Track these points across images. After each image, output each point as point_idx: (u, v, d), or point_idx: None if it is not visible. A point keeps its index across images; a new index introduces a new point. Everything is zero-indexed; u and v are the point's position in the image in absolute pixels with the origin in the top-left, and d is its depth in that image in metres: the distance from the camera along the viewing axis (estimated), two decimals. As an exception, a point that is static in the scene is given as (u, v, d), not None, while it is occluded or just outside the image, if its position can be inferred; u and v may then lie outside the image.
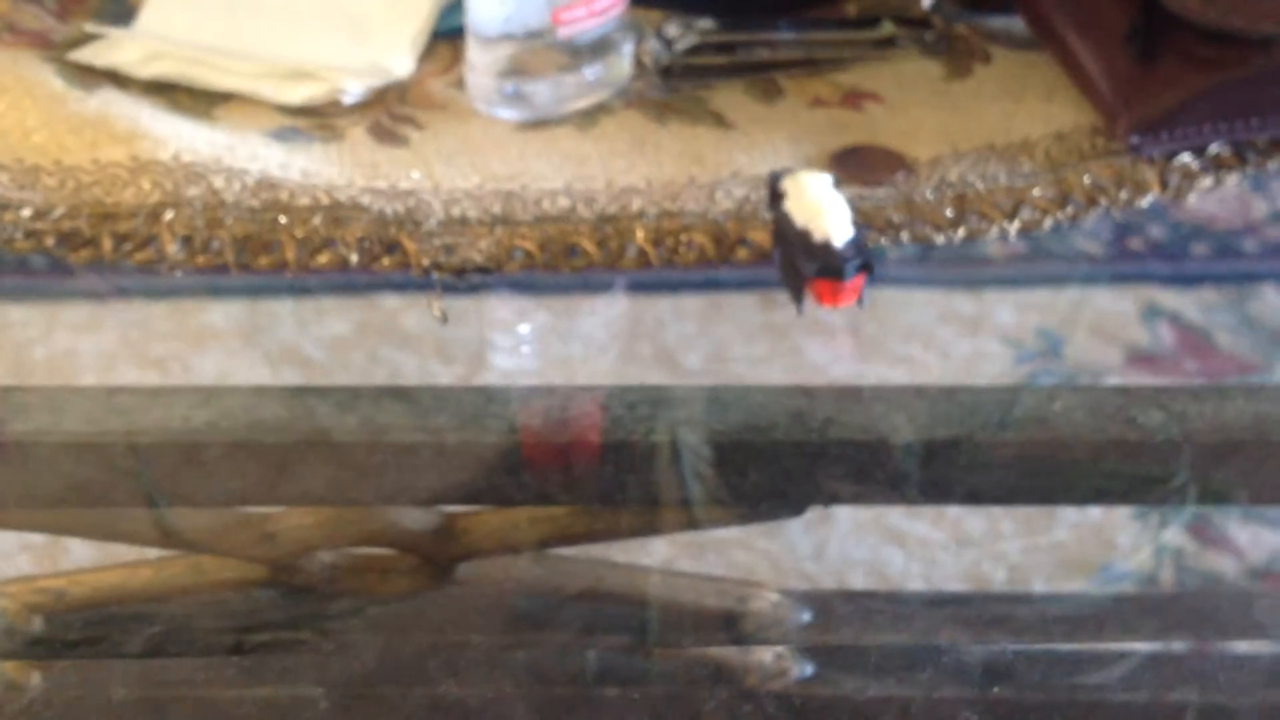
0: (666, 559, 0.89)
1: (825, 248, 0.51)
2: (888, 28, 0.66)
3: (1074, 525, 0.95)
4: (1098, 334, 1.01)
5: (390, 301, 1.04)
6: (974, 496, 0.54)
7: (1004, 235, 0.58)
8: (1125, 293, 1.03)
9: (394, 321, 1.04)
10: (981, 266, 1.04)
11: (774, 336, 1.04)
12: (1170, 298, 1.03)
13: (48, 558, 0.86)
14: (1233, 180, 0.60)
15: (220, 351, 1.00)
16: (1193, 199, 0.61)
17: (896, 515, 0.97)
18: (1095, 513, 0.96)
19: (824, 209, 0.52)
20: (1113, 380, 0.97)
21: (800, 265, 0.51)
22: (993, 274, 1.05)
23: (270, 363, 1.03)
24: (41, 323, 0.98)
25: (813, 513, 0.63)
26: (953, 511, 0.97)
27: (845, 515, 0.98)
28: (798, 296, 0.52)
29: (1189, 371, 1.00)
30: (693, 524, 0.59)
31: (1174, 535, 0.94)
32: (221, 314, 1.03)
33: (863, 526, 0.96)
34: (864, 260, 0.51)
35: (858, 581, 0.94)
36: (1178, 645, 0.64)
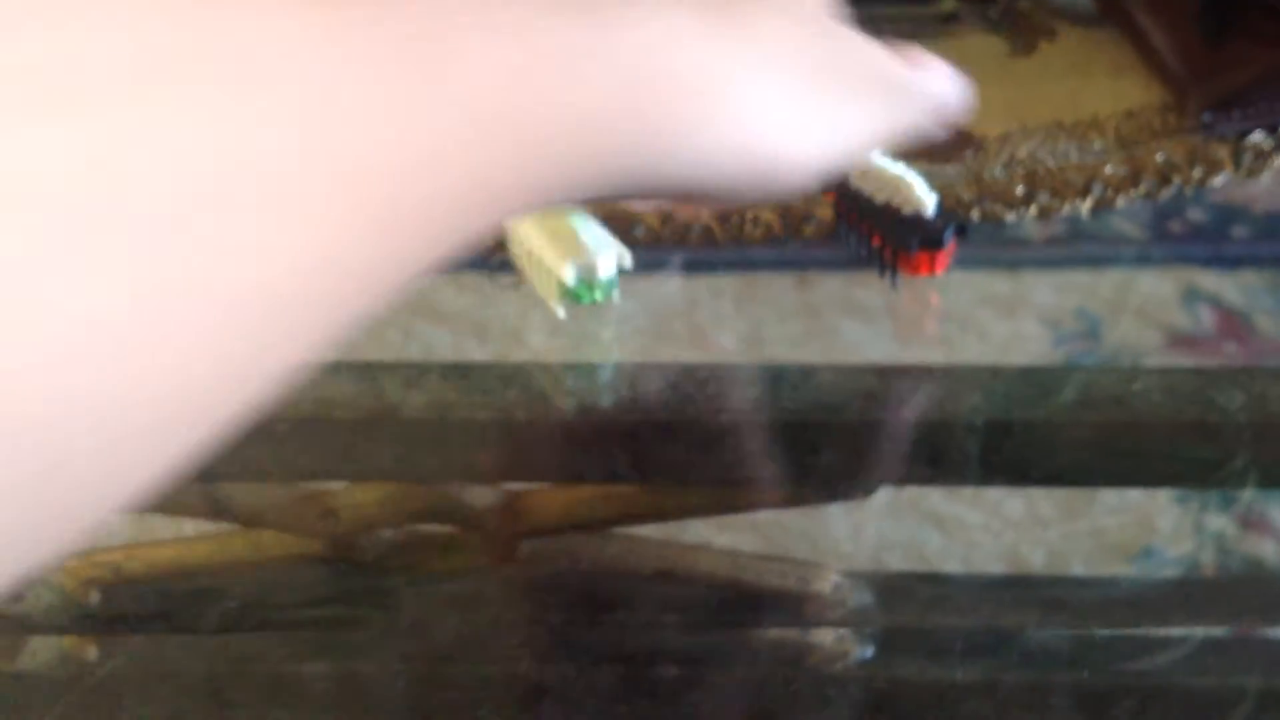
0: (703, 538, 0.88)
1: (919, 220, 0.50)
2: (949, 3, 0.66)
3: (1113, 509, 0.95)
4: (1137, 316, 1.01)
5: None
6: (1049, 478, 0.54)
7: (1076, 213, 0.57)
8: (1165, 275, 1.03)
9: (426, 299, 1.03)
10: (1019, 248, 1.04)
11: (809, 316, 1.03)
12: (1210, 280, 1.03)
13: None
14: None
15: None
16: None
17: (935, 497, 0.96)
18: (1135, 495, 0.96)
19: (900, 180, 0.52)
20: (1153, 362, 0.96)
21: (896, 241, 0.50)
22: (1030, 255, 1.04)
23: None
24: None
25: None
26: (991, 494, 0.96)
27: (881, 496, 0.97)
28: (891, 271, 0.51)
29: (1229, 355, 1.00)
30: (760, 504, 0.59)
31: (1216, 519, 0.94)
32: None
33: (899, 509, 0.96)
34: (958, 223, 0.51)
35: (895, 564, 0.94)
36: (1241, 629, 0.63)
